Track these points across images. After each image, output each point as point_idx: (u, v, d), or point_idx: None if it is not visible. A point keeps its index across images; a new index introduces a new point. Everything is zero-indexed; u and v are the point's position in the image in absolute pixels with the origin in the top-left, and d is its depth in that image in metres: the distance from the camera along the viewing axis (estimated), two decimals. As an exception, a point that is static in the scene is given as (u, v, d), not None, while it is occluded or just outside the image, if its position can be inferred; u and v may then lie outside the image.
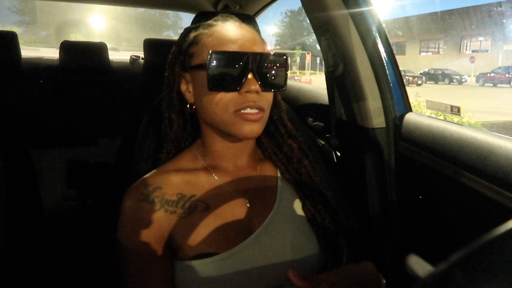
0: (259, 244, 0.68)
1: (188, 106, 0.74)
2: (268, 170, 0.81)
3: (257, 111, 0.67)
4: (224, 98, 0.66)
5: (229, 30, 0.69)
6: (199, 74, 0.69)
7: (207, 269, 0.65)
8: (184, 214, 0.69)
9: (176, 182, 0.71)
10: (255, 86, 0.66)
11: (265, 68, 0.67)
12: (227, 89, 0.66)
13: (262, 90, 0.67)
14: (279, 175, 0.80)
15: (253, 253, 0.67)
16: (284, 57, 0.71)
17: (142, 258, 0.67)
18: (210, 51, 0.65)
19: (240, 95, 0.66)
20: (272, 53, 0.68)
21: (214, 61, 0.65)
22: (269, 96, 0.71)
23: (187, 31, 0.76)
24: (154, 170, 0.74)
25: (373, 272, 0.68)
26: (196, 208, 0.70)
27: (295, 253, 0.70)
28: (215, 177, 0.74)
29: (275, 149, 0.81)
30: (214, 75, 0.65)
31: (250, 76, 0.65)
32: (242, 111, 0.66)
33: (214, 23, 0.72)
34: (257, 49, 0.68)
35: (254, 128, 0.68)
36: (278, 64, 0.69)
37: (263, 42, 0.72)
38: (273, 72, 0.69)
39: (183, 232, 0.68)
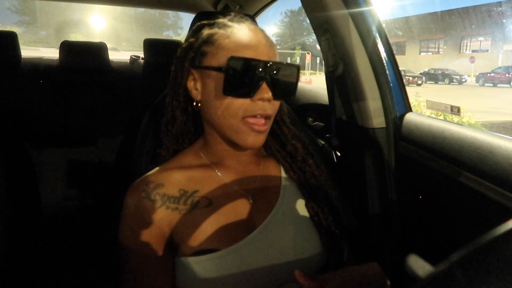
0: (261, 241, 0.68)
1: (194, 103, 0.73)
2: (272, 167, 0.81)
3: (264, 121, 0.68)
4: (236, 103, 0.66)
5: (246, 34, 0.68)
6: (211, 75, 0.68)
7: (208, 265, 0.65)
8: (186, 211, 0.69)
9: (179, 179, 0.71)
10: (268, 94, 0.66)
11: (278, 77, 0.68)
12: (240, 95, 0.66)
13: (274, 99, 0.68)
14: (282, 172, 0.81)
15: (254, 250, 0.67)
16: (297, 68, 0.71)
17: (143, 255, 0.67)
18: (229, 56, 0.65)
19: (252, 102, 0.66)
20: (287, 63, 0.69)
21: (233, 66, 0.65)
22: (277, 104, 0.72)
23: (199, 27, 0.74)
24: (157, 168, 0.74)
25: (378, 272, 0.68)
26: (199, 204, 0.70)
27: (297, 250, 0.71)
28: (218, 174, 0.74)
29: (278, 147, 0.81)
30: (231, 80, 0.65)
31: (264, 84, 0.66)
32: (250, 118, 0.67)
33: (230, 23, 0.71)
34: (272, 55, 0.69)
35: (259, 140, 0.69)
36: (291, 74, 0.70)
37: (274, 45, 0.72)
38: (285, 81, 0.69)
39: (185, 229, 0.68)
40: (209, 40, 0.70)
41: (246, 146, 0.69)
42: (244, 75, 0.65)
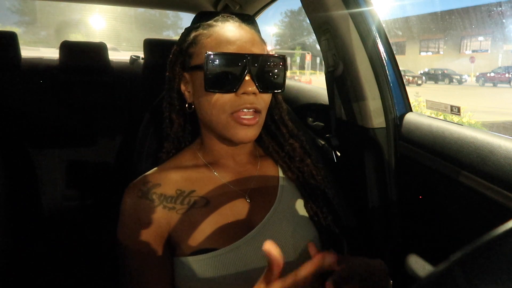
0: (259, 239, 0.68)
1: (187, 105, 0.75)
2: (269, 167, 0.81)
3: (252, 115, 0.67)
4: (221, 99, 0.67)
5: (228, 31, 0.69)
6: (197, 75, 0.70)
7: (206, 264, 0.65)
8: (184, 210, 0.69)
9: (176, 179, 0.71)
10: (252, 87, 0.66)
11: (262, 69, 0.67)
12: (224, 90, 0.66)
13: (260, 92, 0.67)
14: (280, 172, 0.81)
15: (253, 249, 0.67)
16: (283, 58, 0.71)
17: (141, 255, 0.67)
18: (206, 53, 0.65)
19: (237, 96, 0.66)
20: (270, 54, 0.68)
21: (211, 62, 0.65)
22: (266, 97, 0.71)
23: (187, 31, 0.77)
24: (154, 168, 0.75)
25: (383, 269, 0.68)
26: (196, 203, 0.70)
27: (296, 249, 0.70)
28: (215, 173, 0.74)
29: (276, 147, 0.81)
30: (211, 76, 0.65)
31: (247, 77, 0.66)
32: (239, 113, 0.67)
33: (214, 23, 0.73)
34: (256, 50, 0.68)
35: (249, 133, 0.68)
36: (276, 66, 0.69)
37: (262, 42, 0.72)
38: (271, 73, 0.69)
39: (183, 228, 0.68)
40: (194, 41, 0.71)
41: (237, 141, 0.69)
42: (225, 69, 0.65)
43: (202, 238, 0.67)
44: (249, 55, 0.66)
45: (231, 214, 0.70)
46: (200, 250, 0.66)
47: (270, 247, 0.48)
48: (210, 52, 0.65)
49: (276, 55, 0.70)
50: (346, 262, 0.61)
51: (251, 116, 0.67)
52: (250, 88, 0.65)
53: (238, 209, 0.72)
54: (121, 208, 0.69)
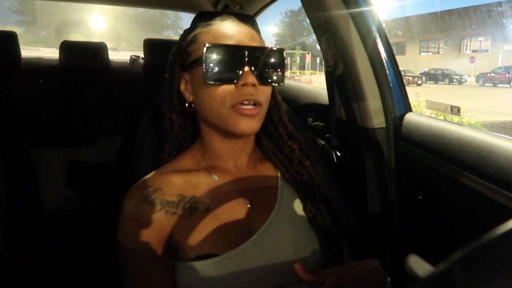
0: (260, 244, 0.68)
1: (187, 105, 0.75)
2: (269, 170, 0.80)
3: (253, 106, 0.68)
4: (222, 92, 0.67)
5: (226, 27, 0.70)
6: (196, 70, 0.70)
7: (208, 270, 0.65)
8: (185, 215, 0.69)
9: (177, 183, 0.71)
10: (252, 79, 0.66)
11: (261, 62, 0.68)
12: (223, 82, 0.66)
13: (259, 84, 0.67)
14: (279, 175, 0.80)
15: (254, 254, 0.67)
16: (281, 52, 0.71)
17: (143, 259, 0.67)
18: (205, 44, 0.66)
19: (237, 88, 0.66)
20: (268, 47, 0.69)
21: (210, 55, 0.66)
22: (266, 90, 0.71)
23: (186, 32, 0.77)
24: (155, 171, 0.74)
25: (378, 268, 0.68)
26: (197, 209, 0.70)
27: (296, 253, 0.70)
28: (215, 178, 0.74)
29: (275, 150, 0.81)
30: (211, 68, 0.66)
31: (246, 69, 0.66)
32: (239, 105, 0.67)
33: (212, 22, 0.73)
34: (254, 44, 0.69)
35: (251, 124, 0.68)
36: (275, 59, 0.70)
37: (261, 39, 0.73)
38: (270, 66, 0.69)
39: (184, 233, 0.68)
40: (193, 40, 0.72)
41: (239, 132, 0.68)
42: (224, 61, 0.66)
43: (203, 244, 0.67)
44: (248, 47, 0.66)
45: (232, 219, 0.70)
46: (201, 256, 0.66)
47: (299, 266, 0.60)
48: (209, 44, 0.66)
49: (274, 48, 0.70)
50: (334, 274, 0.62)
51: (252, 107, 0.67)
52: (249, 80, 0.66)
53: (239, 213, 0.71)
54: (122, 212, 0.69)
